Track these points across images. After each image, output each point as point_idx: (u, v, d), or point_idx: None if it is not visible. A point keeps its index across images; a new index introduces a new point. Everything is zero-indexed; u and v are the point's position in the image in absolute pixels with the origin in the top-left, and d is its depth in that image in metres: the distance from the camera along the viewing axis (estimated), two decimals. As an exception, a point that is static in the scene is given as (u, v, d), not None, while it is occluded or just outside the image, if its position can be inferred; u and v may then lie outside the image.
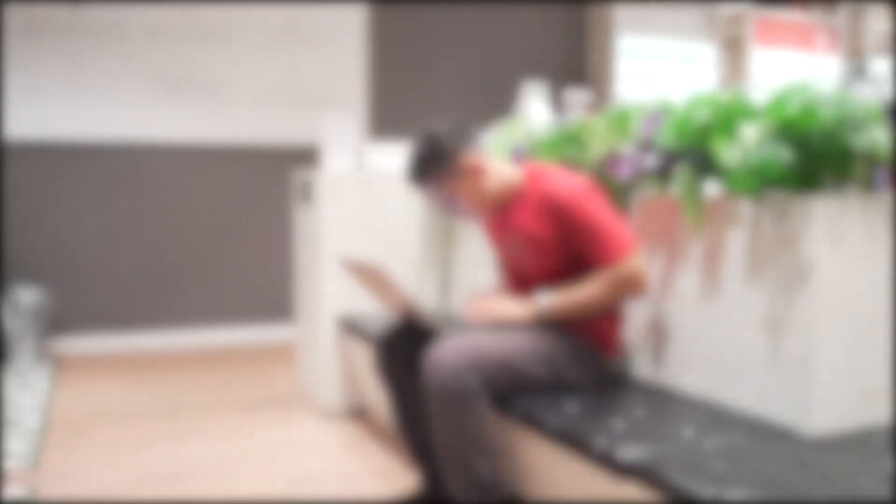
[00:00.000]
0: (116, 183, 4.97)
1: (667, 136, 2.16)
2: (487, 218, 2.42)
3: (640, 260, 2.12)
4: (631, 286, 2.12)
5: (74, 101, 4.83)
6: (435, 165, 2.23)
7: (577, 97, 5.48)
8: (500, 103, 5.64)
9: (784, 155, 1.84)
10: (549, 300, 2.17)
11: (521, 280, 2.37)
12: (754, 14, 6.41)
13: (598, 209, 2.13)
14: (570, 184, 2.17)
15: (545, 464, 2.05)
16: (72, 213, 4.88)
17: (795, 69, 6.80)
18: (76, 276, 4.89)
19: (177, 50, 5.02)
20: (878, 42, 6.70)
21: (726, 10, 6.38)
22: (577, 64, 6.06)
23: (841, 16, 6.70)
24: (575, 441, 1.82)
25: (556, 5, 5.98)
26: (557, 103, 5.85)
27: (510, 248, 2.34)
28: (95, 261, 4.94)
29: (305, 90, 5.31)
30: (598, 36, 6.00)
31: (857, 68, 6.87)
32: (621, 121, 2.50)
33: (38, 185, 4.80)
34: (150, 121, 4.99)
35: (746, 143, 1.90)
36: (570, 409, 2.01)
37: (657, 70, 6.23)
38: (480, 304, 2.25)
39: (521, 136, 3.01)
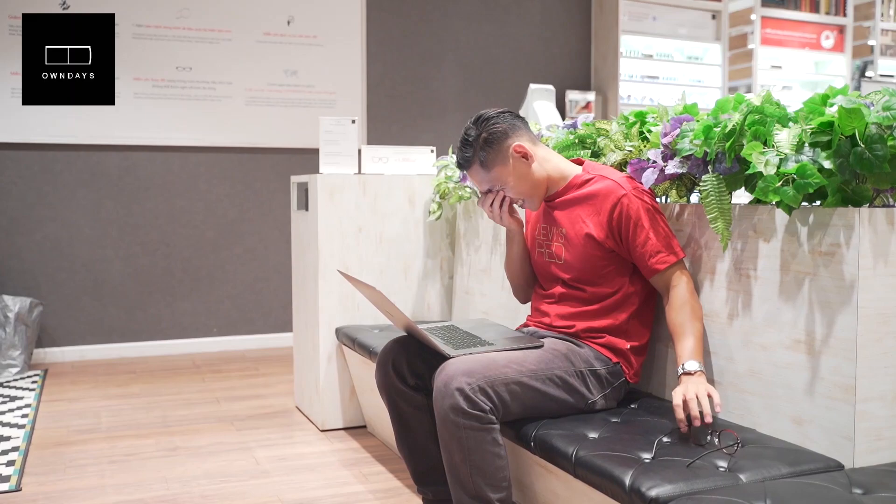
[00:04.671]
0: (107, 187, 4.81)
1: (692, 142, 2.02)
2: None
3: None
4: (695, 292, 2.06)
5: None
6: (485, 148, 2.16)
7: (579, 98, 5.33)
8: (503, 105, 5.51)
9: (824, 162, 1.70)
10: (696, 359, 1.92)
11: (548, 276, 2.27)
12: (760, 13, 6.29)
13: (658, 210, 2.09)
14: (630, 181, 2.12)
15: (564, 496, 1.90)
16: (61, 218, 4.72)
17: (803, 69, 6.67)
18: (65, 284, 4.73)
19: (170, 49, 4.87)
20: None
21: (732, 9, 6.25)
22: (580, 65, 5.91)
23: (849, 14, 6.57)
24: (598, 473, 1.67)
25: (560, 5, 5.83)
26: (560, 105, 5.72)
27: (547, 238, 2.24)
28: (85, 267, 4.77)
29: (303, 91, 5.15)
30: (602, 36, 5.85)
31: (862, 69, 6.75)
32: (637, 124, 2.36)
33: (25, 188, 4.64)
34: (142, 122, 4.83)
35: (782, 149, 1.76)
36: (591, 435, 1.86)
37: (662, 71, 6.09)
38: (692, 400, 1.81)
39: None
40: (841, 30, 6.67)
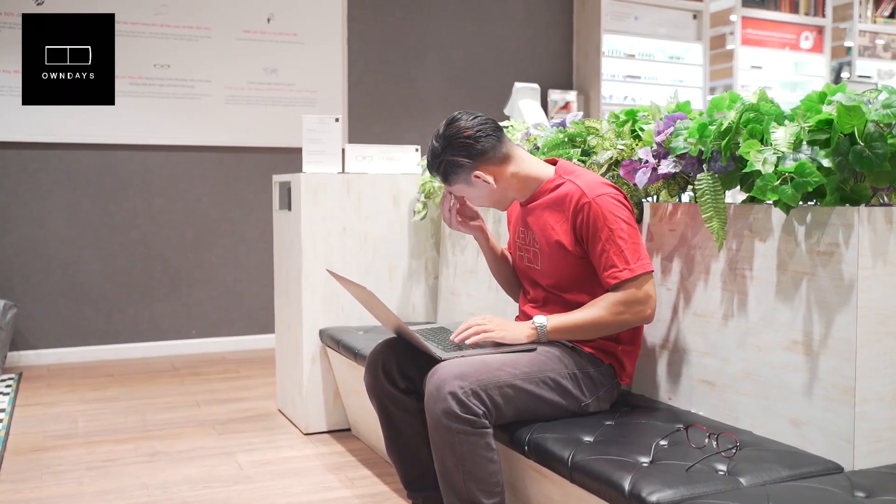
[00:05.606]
0: (84, 186, 4.71)
1: (686, 140, 1.99)
2: (511, 208, 2.30)
3: (652, 284, 1.97)
4: (637, 309, 1.95)
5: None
6: (447, 169, 2.12)
7: (559, 98, 5.31)
8: (486, 104, 5.47)
9: (823, 160, 1.67)
10: (548, 320, 2.00)
11: (529, 281, 2.23)
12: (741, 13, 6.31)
13: (622, 219, 1.97)
14: (598, 187, 2.02)
15: (559, 501, 1.86)
16: (36, 218, 4.62)
17: (782, 69, 6.71)
18: (40, 285, 4.63)
19: (148, 46, 4.78)
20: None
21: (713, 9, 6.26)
22: (562, 64, 5.89)
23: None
24: (596, 478, 1.64)
25: (542, 4, 5.81)
26: (543, 104, 5.69)
27: (525, 243, 2.20)
28: (61, 268, 4.68)
29: (283, 90, 5.09)
30: (584, 36, 5.83)
31: (837, 70, 6.79)
32: (629, 123, 2.33)
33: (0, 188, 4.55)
34: (119, 120, 4.73)
35: (779, 148, 1.73)
36: (586, 439, 1.83)
37: (643, 70, 6.09)
38: (474, 327, 2.04)
39: (518, 138, 2.83)
40: (820, 31, 6.70)
